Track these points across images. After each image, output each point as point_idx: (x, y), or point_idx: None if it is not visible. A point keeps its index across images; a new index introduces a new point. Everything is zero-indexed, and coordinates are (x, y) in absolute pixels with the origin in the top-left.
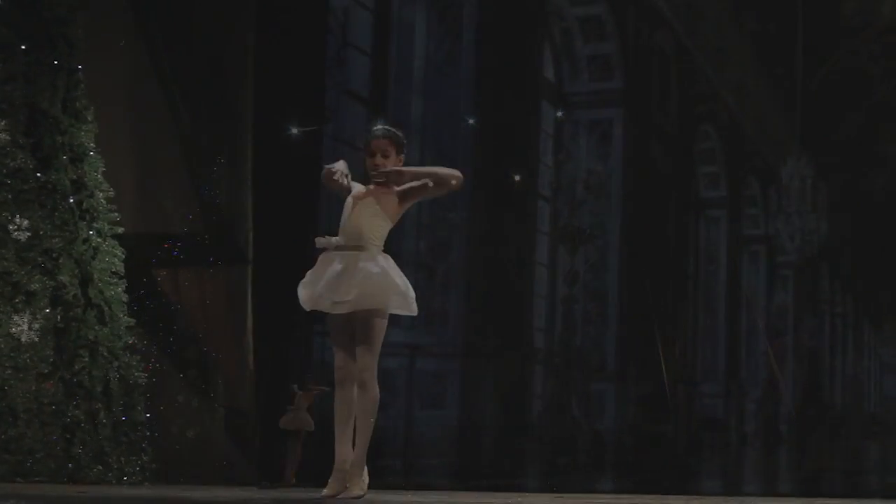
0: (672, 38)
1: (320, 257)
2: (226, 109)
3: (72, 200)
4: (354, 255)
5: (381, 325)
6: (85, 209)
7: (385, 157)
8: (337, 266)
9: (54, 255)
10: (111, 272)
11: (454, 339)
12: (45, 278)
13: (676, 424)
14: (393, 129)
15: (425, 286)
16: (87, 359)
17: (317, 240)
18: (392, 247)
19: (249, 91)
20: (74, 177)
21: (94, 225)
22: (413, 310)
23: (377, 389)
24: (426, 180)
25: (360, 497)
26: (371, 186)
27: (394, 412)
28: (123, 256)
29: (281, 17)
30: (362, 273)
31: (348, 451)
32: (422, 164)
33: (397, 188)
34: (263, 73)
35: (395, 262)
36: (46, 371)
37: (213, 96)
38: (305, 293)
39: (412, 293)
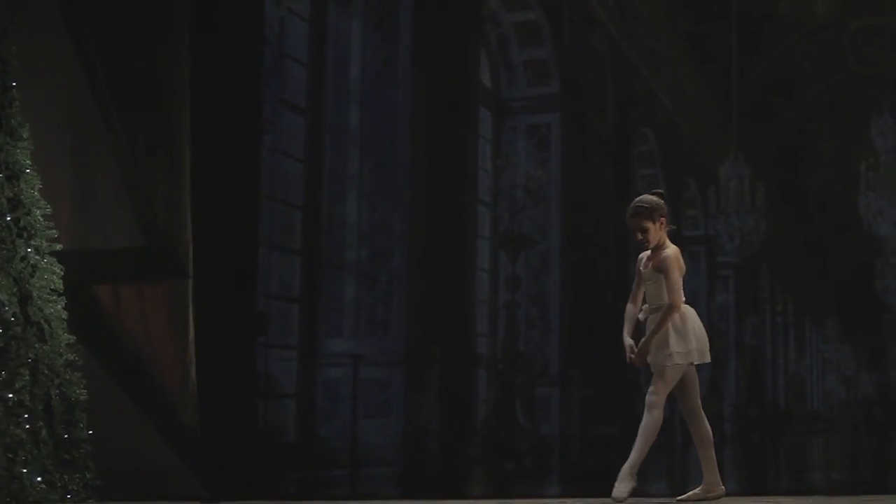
0: (607, 42)
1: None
2: (163, 122)
3: (9, 218)
4: (653, 317)
5: (668, 372)
6: (22, 227)
7: (644, 232)
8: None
9: None
10: (50, 289)
11: (397, 347)
12: None
13: (621, 427)
14: (643, 203)
15: (367, 295)
16: (27, 377)
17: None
18: (334, 256)
19: (186, 104)
20: (11, 195)
21: (32, 242)
22: (670, 362)
23: (657, 416)
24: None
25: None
26: (650, 253)
27: (338, 422)
28: (62, 273)
29: (216, 29)
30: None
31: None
32: (360, 172)
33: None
34: (200, 85)
35: (337, 272)
36: None
37: (149, 110)
38: None
39: (678, 348)
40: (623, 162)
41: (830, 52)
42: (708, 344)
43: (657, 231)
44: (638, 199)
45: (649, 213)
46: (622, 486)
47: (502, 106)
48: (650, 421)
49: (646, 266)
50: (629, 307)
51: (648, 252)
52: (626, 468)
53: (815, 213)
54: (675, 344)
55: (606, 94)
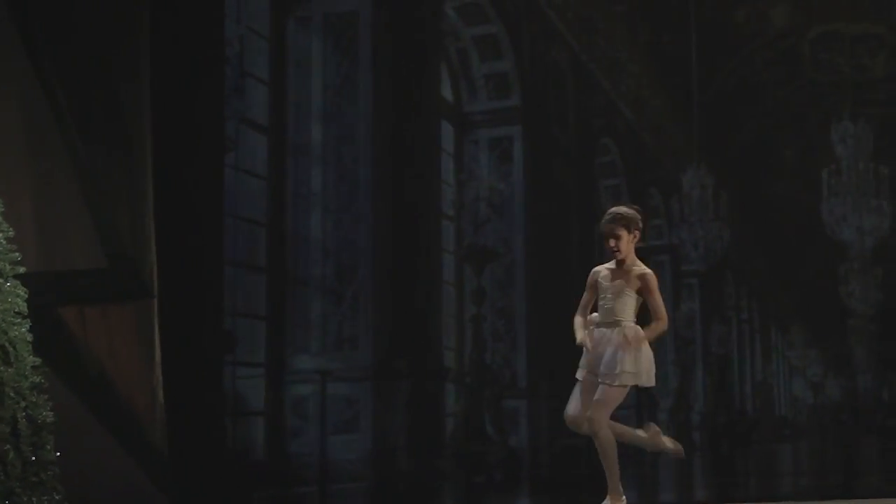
0: (567, 54)
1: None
2: (125, 142)
3: None
4: (606, 332)
5: (612, 392)
6: None
7: (617, 238)
8: (598, 340)
9: None
10: (15, 312)
11: (364, 363)
12: None
13: (589, 439)
14: (621, 212)
15: (333, 311)
16: None
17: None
18: (300, 273)
19: (148, 124)
20: None
21: None
22: (618, 382)
23: (605, 435)
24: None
25: None
26: (614, 267)
27: (307, 439)
28: (26, 296)
29: (176, 48)
30: (610, 348)
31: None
32: (324, 188)
33: (638, 289)
34: (161, 104)
35: (302, 289)
36: None
37: (111, 130)
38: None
39: (629, 368)
40: (586, 173)
41: (789, 59)
42: (654, 367)
43: (629, 243)
44: (616, 207)
45: (626, 222)
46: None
47: (464, 119)
48: (603, 444)
49: (611, 280)
50: (578, 319)
51: (609, 266)
52: (609, 493)
53: (779, 220)
54: (628, 364)
55: (567, 105)
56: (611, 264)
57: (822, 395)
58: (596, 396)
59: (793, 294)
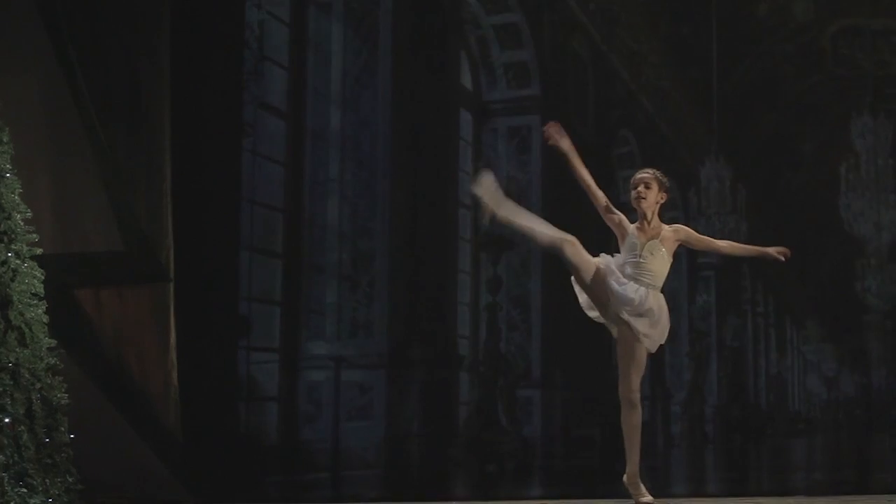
0: (588, 44)
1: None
2: (143, 126)
3: None
4: (640, 288)
5: (640, 351)
6: (2, 231)
7: (647, 188)
8: (634, 294)
9: None
10: (31, 293)
11: (379, 350)
12: None
13: (603, 429)
14: (657, 172)
15: (348, 297)
16: (8, 381)
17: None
18: (316, 259)
19: (166, 107)
20: None
21: (13, 247)
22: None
23: (640, 410)
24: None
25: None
26: (640, 226)
27: (320, 425)
28: (43, 277)
29: (196, 32)
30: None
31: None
32: (341, 175)
33: (680, 241)
34: (180, 88)
35: (318, 275)
36: None
37: (130, 114)
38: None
39: (648, 329)
40: (604, 164)
41: (810, 53)
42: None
43: (655, 202)
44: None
45: (659, 181)
46: (641, 491)
47: (483, 108)
48: (637, 416)
49: (645, 239)
50: (587, 179)
51: (636, 225)
52: (630, 475)
53: (796, 214)
54: (648, 327)
55: (587, 96)
56: (636, 224)
57: (837, 390)
58: (628, 361)
59: (809, 288)
